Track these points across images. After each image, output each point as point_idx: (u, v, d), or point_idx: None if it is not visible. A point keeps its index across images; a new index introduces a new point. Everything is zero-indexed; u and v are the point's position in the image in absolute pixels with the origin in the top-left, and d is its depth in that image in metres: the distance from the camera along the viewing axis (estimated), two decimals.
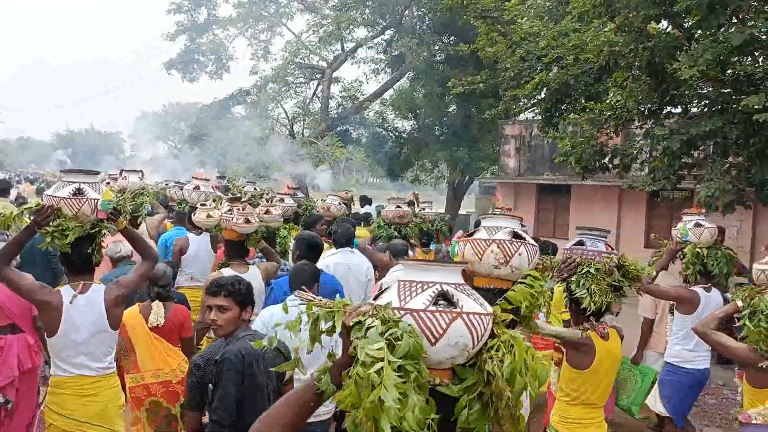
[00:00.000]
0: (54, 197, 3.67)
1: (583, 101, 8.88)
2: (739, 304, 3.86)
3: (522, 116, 18.95)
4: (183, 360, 4.61)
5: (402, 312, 1.66)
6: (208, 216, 6.71)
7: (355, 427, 1.57)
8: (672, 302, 5.65)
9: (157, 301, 4.62)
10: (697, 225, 5.46)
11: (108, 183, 8.35)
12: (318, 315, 1.76)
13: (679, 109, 8.14)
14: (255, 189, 9.31)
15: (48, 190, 3.92)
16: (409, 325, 1.63)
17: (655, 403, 5.57)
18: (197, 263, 6.52)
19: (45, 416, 3.83)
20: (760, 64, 7.28)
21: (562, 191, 17.26)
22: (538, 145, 17.70)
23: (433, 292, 1.70)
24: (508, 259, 2.67)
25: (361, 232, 8.15)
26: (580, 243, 3.89)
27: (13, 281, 3.71)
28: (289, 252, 6.45)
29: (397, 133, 26.32)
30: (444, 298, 1.69)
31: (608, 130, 8.67)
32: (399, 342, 1.58)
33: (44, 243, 3.75)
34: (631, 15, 7.13)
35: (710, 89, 7.51)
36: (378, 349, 1.56)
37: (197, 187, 8.24)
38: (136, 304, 4.60)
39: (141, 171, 8.70)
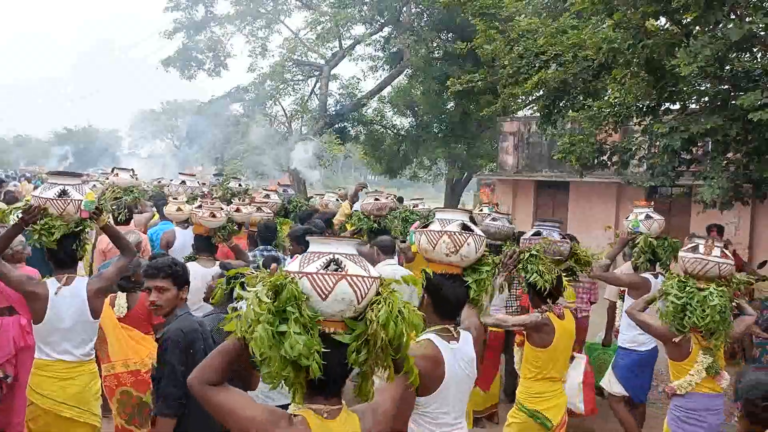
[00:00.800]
0: (41, 198, 4.00)
1: (581, 99, 8.87)
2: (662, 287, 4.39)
3: (520, 113, 18.95)
4: (155, 348, 4.64)
5: (300, 275, 2.08)
6: (178, 209, 7.13)
7: (258, 357, 2.02)
8: (622, 289, 6.10)
9: (118, 292, 4.72)
10: (648, 217, 5.82)
11: (107, 178, 8.90)
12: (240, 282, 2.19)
13: (677, 106, 8.13)
14: (239, 186, 9.69)
15: (35, 191, 4.22)
16: (291, 278, 2.06)
17: (611, 385, 5.89)
18: (183, 256, 6.63)
19: (27, 395, 4.07)
20: (759, 60, 7.27)
21: (561, 188, 17.27)
22: (536, 142, 17.69)
23: (326, 259, 2.12)
24: (457, 248, 3.07)
25: (348, 227, 8.37)
26: (538, 233, 4.42)
27: (4, 273, 4.00)
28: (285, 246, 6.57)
29: (395, 131, 26.30)
30: (334, 264, 2.11)
31: (607, 128, 8.67)
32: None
33: (32, 240, 4.09)
34: (629, 12, 7.12)
35: (708, 86, 7.50)
36: (252, 293, 2.05)
37: (183, 182, 8.82)
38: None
39: (132, 169, 9.17)
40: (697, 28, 7.19)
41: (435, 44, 23.21)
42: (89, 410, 4.07)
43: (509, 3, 9.96)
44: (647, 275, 5.67)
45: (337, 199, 9.65)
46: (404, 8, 23.63)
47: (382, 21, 24.41)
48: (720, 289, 4.13)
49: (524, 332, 4.24)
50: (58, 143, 58.69)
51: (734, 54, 7.00)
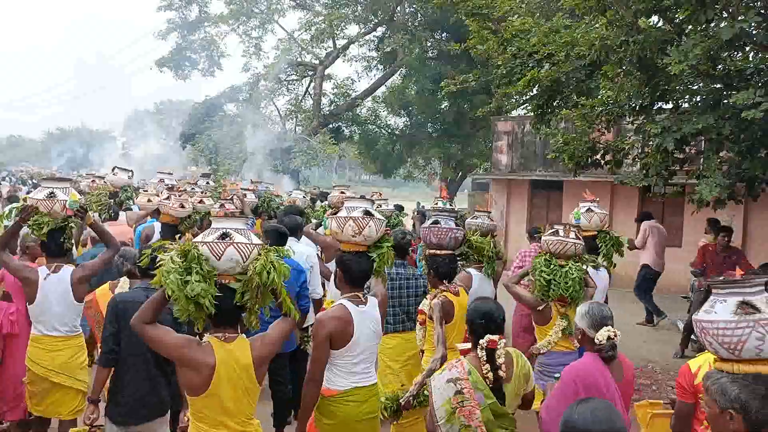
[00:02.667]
0: (33, 199, 4.83)
1: (575, 97, 8.85)
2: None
3: (514, 112, 18.94)
4: None
5: (202, 243, 3.03)
6: (149, 200, 7.90)
7: (173, 299, 2.96)
8: None
9: (125, 277, 5.09)
10: (589, 210, 6.19)
11: (93, 181, 9.91)
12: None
13: (670, 105, 8.12)
14: (208, 183, 10.37)
15: (30, 194, 5.04)
16: (195, 245, 3.01)
17: None
18: None
19: (26, 362, 4.85)
20: (751, 59, 7.28)
21: (555, 187, 17.28)
22: (530, 142, 17.69)
23: (220, 232, 3.06)
24: (360, 230, 3.81)
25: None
26: (436, 222, 5.02)
27: (5, 262, 4.86)
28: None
29: (389, 130, 26.29)
30: (225, 235, 3.04)
31: (600, 126, 8.66)
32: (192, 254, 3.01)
33: (27, 234, 5.02)
34: (621, 10, 7.12)
35: (701, 84, 7.50)
36: (168, 255, 3.01)
37: (162, 180, 9.71)
38: (107, 282, 5.30)
39: (131, 171, 10.18)
40: (690, 26, 7.19)
41: (429, 44, 23.22)
42: (74, 377, 4.86)
43: (502, 3, 9.93)
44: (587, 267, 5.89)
45: (304, 197, 10.27)
46: (398, 8, 23.61)
47: (376, 21, 24.40)
48: (576, 264, 4.99)
49: (426, 311, 4.85)
50: (51, 143, 58.40)
51: (726, 53, 7.00)
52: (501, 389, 3.38)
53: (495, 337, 3.40)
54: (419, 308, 5.02)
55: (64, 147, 44.80)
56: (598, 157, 8.78)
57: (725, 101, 6.74)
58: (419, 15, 23.76)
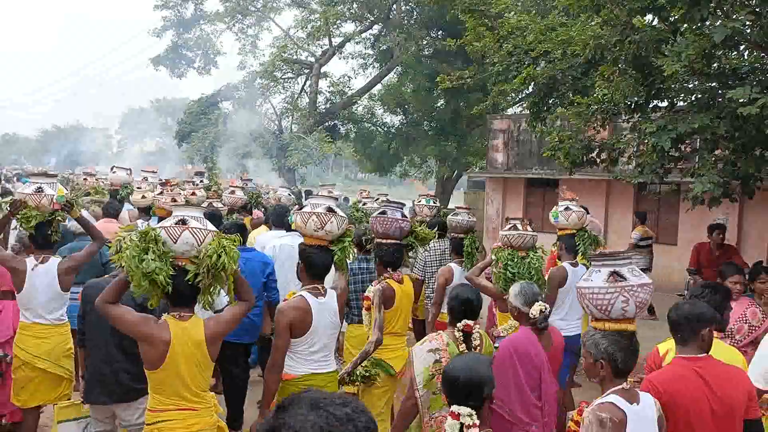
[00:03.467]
0: (22, 193, 5.06)
1: (570, 95, 8.85)
2: (492, 258, 5.49)
3: (510, 110, 18.94)
4: None
5: (160, 228, 3.31)
6: (143, 197, 8.26)
7: (129, 276, 3.23)
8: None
9: None
10: (567, 209, 6.27)
11: (85, 179, 10.27)
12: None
13: (665, 103, 8.13)
14: (201, 182, 10.51)
15: (19, 188, 5.34)
16: (155, 230, 3.27)
17: None
18: None
19: (13, 350, 5.03)
20: (746, 58, 7.28)
21: (550, 185, 17.31)
22: (526, 140, 17.71)
23: (177, 218, 3.34)
24: (323, 225, 4.07)
25: None
26: (383, 212, 5.21)
27: None
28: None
29: (385, 128, 26.26)
30: (182, 221, 3.31)
31: (595, 124, 8.66)
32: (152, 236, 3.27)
33: (18, 225, 5.26)
34: (616, 9, 7.12)
35: (696, 83, 7.51)
36: (128, 236, 3.31)
37: (145, 179, 10.15)
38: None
39: (130, 169, 10.44)
40: (685, 25, 7.19)
41: (425, 42, 23.19)
42: (59, 364, 5.01)
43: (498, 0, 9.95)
44: (565, 264, 6.07)
45: (289, 194, 10.37)
46: (394, 5, 23.59)
47: (372, 18, 24.37)
48: (537, 255, 5.35)
49: (370, 297, 4.98)
50: (47, 141, 58.22)
51: (721, 51, 7.01)
52: None
53: (470, 322, 3.85)
54: (365, 294, 5.15)
55: (60, 145, 44.66)
56: (594, 155, 8.79)
57: (720, 100, 6.75)
58: (415, 13, 23.74)
